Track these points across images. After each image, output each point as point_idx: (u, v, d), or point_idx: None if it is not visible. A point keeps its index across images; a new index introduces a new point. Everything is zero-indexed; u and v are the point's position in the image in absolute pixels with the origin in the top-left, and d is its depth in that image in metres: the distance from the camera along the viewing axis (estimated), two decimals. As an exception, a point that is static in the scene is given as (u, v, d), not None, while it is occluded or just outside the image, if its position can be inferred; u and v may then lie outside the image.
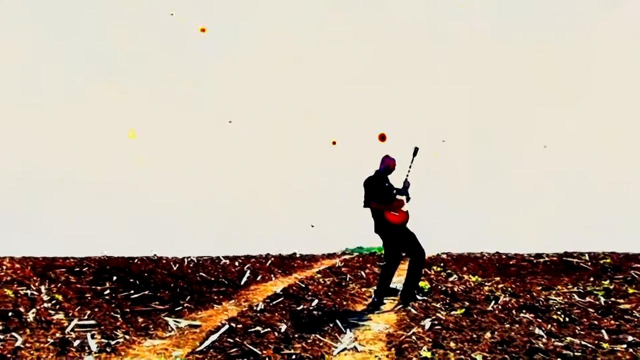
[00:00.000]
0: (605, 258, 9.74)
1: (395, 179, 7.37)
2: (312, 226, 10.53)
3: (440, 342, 5.02)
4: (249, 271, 8.86)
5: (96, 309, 6.26)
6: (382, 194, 7.23)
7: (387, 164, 7.34)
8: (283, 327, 5.63)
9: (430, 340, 5.10)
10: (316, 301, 6.95)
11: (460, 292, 7.42)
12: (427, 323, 5.71)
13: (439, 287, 7.85)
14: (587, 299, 6.81)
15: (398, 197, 7.31)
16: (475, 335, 5.20)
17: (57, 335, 5.14)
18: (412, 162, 7.34)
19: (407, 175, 7.37)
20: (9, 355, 4.52)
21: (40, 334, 5.14)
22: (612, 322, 5.62)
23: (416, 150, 7.28)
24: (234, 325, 5.61)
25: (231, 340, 5.14)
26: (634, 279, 7.78)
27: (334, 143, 9.49)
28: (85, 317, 5.91)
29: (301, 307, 6.64)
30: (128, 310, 6.33)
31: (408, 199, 7.37)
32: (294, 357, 4.68)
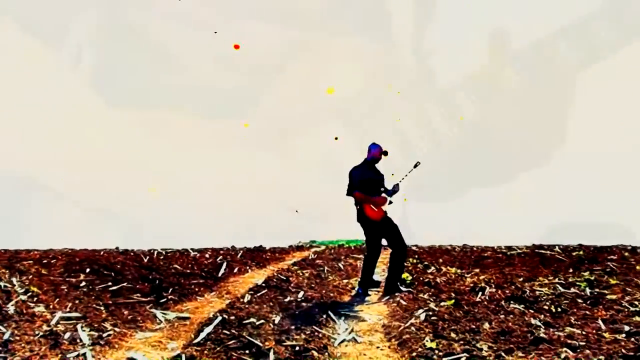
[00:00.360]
0: (578, 250, 9.94)
1: (389, 178, 7.45)
2: (297, 211, 10.49)
3: (441, 332, 5.04)
4: (225, 263, 8.76)
5: (77, 301, 6.09)
6: (367, 183, 7.24)
7: (373, 154, 7.35)
8: (277, 319, 5.57)
9: (430, 331, 5.11)
10: (301, 293, 6.91)
11: (443, 283, 7.48)
12: (421, 314, 5.72)
13: (421, 278, 7.90)
14: (572, 289, 6.92)
15: (384, 195, 7.34)
16: (473, 326, 5.24)
17: (45, 328, 4.98)
18: (409, 172, 7.46)
19: (400, 181, 7.44)
20: (0, 348, 4.36)
21: (26, 326, 4.97)
22: (604, 312, 5.73)
23: (417, 164, 7.41)
24: (226, 317, 5.53)
25: (227, 332, 5.06)
26: (612, 270, 7.95)
27: (335, 139, 9.47)
28: (67, 309, 5.75)
29: (288, 298, 6.59)
30: (110, 302, 6.17)
31: (390, 202, 7.40)
32: (297, 348, 4.64)
